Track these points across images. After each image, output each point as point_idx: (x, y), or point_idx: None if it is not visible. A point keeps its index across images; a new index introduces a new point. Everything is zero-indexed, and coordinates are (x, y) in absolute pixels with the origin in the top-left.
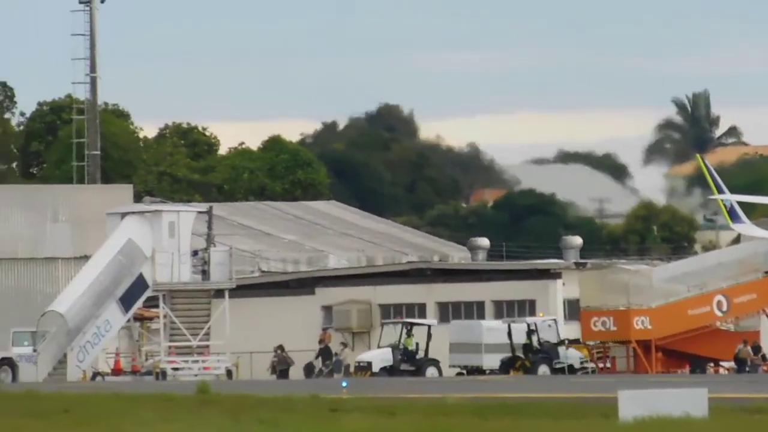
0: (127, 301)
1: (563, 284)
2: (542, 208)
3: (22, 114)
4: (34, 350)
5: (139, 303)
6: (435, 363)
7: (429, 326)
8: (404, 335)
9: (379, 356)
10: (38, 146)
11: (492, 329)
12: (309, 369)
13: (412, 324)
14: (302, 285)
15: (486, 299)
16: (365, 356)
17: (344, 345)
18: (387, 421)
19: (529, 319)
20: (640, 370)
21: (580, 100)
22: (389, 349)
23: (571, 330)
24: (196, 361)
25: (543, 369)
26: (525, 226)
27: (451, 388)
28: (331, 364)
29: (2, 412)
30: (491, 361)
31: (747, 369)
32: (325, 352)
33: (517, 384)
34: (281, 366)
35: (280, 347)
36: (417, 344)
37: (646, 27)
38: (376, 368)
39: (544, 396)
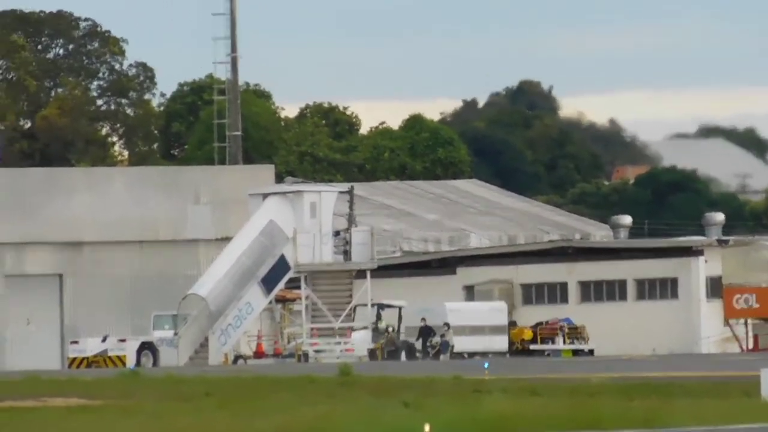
0: (268, 283)
1: (705, 261)
2: (684, 185)
3: (163, 95)
4: (176, 334)
5: (281, 284)
6: (410, 346)
7: (400, 308)
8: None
9: (361, 338)
10: (179, 127)
11: (455, 311)
12: (410, 350)
13: (384, 306)
14: (444, 265)
15: (628, 278)
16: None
17: (447, 326)
18: (532, 401)
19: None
20: None
21: (721, 75)
22: (368, 331)
23: (713, 308)
24: (338, 343)
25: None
26: (667, 203)
27: (596, 368)
28: (437, 345)
29: (144, 396)
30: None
31: None
32: (425, 332)
33: (660, 363)
34: (389, 347)
35: (391, 327)
36: (389, 326)
37: None
38: (360, 351)
39: (687, 375)
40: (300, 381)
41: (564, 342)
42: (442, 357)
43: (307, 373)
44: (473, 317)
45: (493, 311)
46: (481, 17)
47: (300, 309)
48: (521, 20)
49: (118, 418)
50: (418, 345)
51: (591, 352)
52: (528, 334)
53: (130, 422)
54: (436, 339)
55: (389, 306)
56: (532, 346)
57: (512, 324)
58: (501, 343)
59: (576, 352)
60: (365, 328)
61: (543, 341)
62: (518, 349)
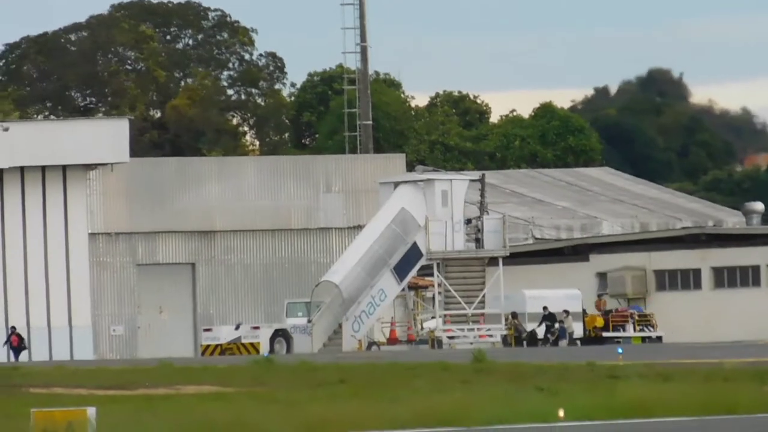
0: (401, 270)
1: None
2: None
3: (293, 85)
4: (309, 321)
5: (414, 272)
6: (532, 333)
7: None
8: None
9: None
10: (310, 117)
11: (534, 298)
12: (532, 337)
13: None
14: (576, 252)
15: (761, 264)
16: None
17: (567, 312)
18: (666, 386)
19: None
20: None
21: None
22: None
23: None
24: (472, 329)
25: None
26: None
27: (729, 353)
28: (556, 331)
29: (279, 383)
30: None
31: None
32: (549, 319)
33: None
34: (514, 334)
35: (512, 314)
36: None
37: None
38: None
39: None
40: (434, 367)
41: (634, 329)
42: (561, 343)
43: (440, 359)
44: (550, 304)
45: (569, 298)
46: (613, 5)
47: (432, 296)
48: (652, 8)
49: (252, 406)
50: (541, 332)
51: (659, 338)
52: (600, 322)
53: (264, 409)
54: (556, 326)
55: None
56: (604, 334)
57: (584, 311)
58: (577, 329)
59: (644, 339)
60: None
61: (614, 329)
62: (590, 336)
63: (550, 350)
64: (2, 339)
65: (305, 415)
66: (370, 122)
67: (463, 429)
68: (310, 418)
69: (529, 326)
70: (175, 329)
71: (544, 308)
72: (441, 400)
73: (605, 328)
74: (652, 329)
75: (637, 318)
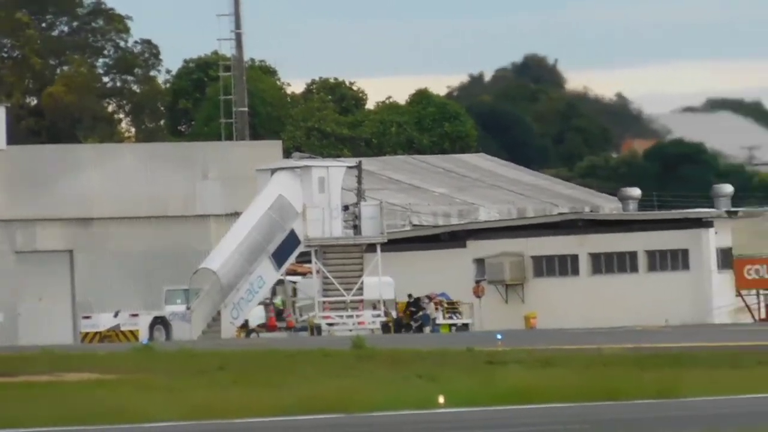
0: (279, 257)
1: (716, 233)
2: (692, 157)
3: (168, 72)
4: (188, 308)
5: (292, 259)
6: (398, 320)
7: (294, 283)
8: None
9: (255, 313)
10: (186, 104)
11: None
12: (399, 323)
13: (281, 282)
14: (454, 238)
15: (638, 249)
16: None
17: (429, 298)
18: (546, 372)
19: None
20: None
21: (728, 48)
22: (262, 307)
23: (724, 279)
24: (351, 316)
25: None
26: (676, 176)
27: (608, 339)
28: (420, 318)
29: (159, 370)
30: None
31: None
32: (415, 306)
33: (673, 334)
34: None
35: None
36: (284, 301)
37: None
38: (252, 325)
39: (700, 345)
40: (314, 354)
41: (443, 317)
42: (425, 329)
43: (320, 346)
44: (366, 291)
45: (384, 285)
46: None
47: (311, 283)
48: None
49: (133, 393)
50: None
51: (466, 326)
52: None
53: (145, 396)
54: (420, 312)
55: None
56: (412, 321)
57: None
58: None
59: (452, 327)
60: (261, 303)
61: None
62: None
63: (429, 336)
64: None
65: (187, 401)
66: (246, 109)
67: (344, 415)
68: (193, 405)
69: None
70: (55, 317)
71: (409, 295)
72: (323, 386)
73: (412, 316)
74: (459, 317)
75: (445, 306)
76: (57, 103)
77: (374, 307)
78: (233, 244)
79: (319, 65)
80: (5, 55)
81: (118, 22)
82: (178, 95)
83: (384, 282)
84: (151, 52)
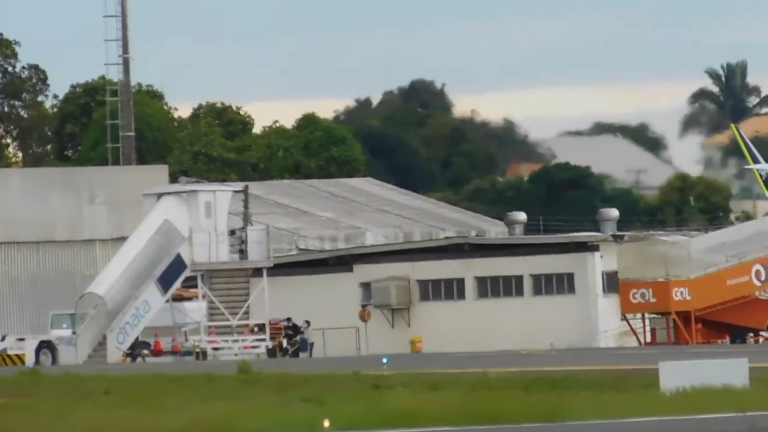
0: (165, 282)
1: (601, 257)
2: (578, 181)
3: (56, 96)
4: (74, 332)
5: (178, 283)
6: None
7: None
8: None
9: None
10: (73, 128)
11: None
12: (271, 351)
13: None
14: (340, 262)
15: (524, 273)
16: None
17: (307, 323)
18: (432, 396)
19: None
20: (681, 341)
21: (614, 72)
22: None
23: (610, 303)
24: (236, 341)
25: None
26: (562, 200)
27: (493, 363)
28: (297, 343)
29: (44, 394)
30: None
31: None
32: (292, 330)
33: (559, 358)
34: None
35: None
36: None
37: None
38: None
39: (585, 369)
40: (199, 379)
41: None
42: (301, 355)
43: (206, 370)
44: (180, 315)
45: (195, 309)
46: (373, 15)
47: (197, 308)
48: (414, 18)
49: (19, 416)
50: (284, 342)
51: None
52: None
53: (31, 420)
54: (297, 337)
55: None
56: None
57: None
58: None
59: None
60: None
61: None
62: None
63: (316, 361)
64: None
65: (73, 425)
66: (133, 133)
67: None
68: (79, 429)
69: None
70: None
71: (288, 319)
72: (208, 410)
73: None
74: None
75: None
76: None
77: (257, 331)
78: (119, 268)
79: (206, 90)
80: None
81: (5, 47)
82: (65, 120)
83: (196, 306)
84: (38, 77)
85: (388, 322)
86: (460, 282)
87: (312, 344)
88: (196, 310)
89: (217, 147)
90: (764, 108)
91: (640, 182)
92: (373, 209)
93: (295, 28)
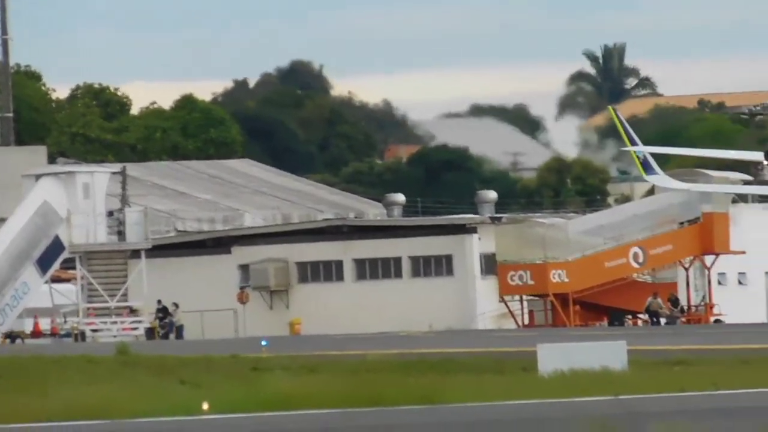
0: (44, 264)
1: (479, 239)
2: (456, 163)
3: None
4: None
5: (56, 265)
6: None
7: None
8: None
9: None
10: None
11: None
12: (150, 332)
13: None
14: (218, 244)
15: (403, 255)
16: None
17: (176, 305)
18: (311, 379)
19: None
20: (558, 323)
21: (492, 55)
22: None
23: (488, 285)
24: (115, 322)
25: None
26: (440, 182)
27: (373, 345)
28: (166, 324)
29: None
30: None
31: (657, 321)
32: (162, 312)
33: (438, 340)
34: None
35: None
36: None
37: None
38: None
39: (464, 351)
40: (79, 361)
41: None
42: (170, 336)
43: (85, 352)
44: (46, 299)
45: (71, 292)
46: None
47: (76, 289)
48: (293, 0)
49: None
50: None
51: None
52: None
53: None
54: (167, 319)
55: None
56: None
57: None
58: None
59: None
60: None
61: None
62: None
63: (194, 343)
64: None
65: None
66: (11, 114)
67: (107, 422)
68: None
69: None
70: None
71: (159, 302)
72: (87, 393)
73: None
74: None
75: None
76: None
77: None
78: None
79: (84, 71)
80: None
81: None
82: None
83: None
84: None
85: (267, 304)
86: (339, 264)
87: (181, 326)
88: (72, 291)
89: (94, 128)
90: (642, 90)
91: (518, 164)
92: (252, 191)
93: (174, 9)
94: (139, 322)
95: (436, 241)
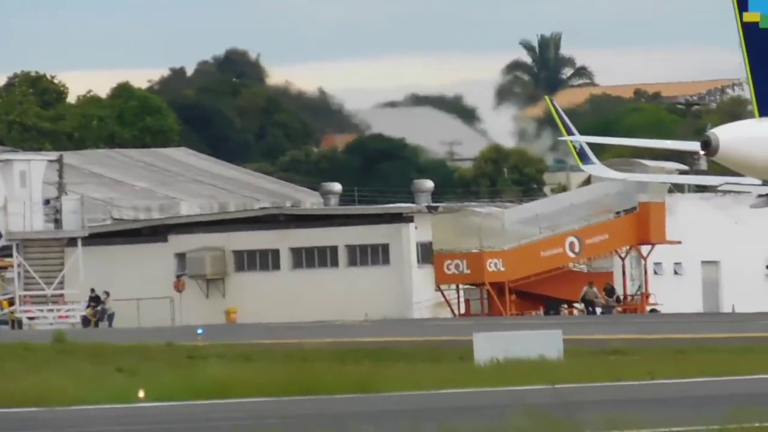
0: None
1: (416, 228)
2: (393, 153)
3: None
4: None
5: None
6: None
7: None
8: None
9: None
10: None
11: None
12: (86, 320)
13: None
14: (155, 232)
15: (339, 244)
16: None
17: (107, 294)
18: (247, 367)
19: None
20: (495, 312)
21: (429, 44)
22: None
23: (424, 273)
24: (51, 310)
25: None
26: (377, 171)
27: (309, 333)
28: (98, 313)
29: None
30: None
31: (592, 310)
32: (94, 300)
33: (374, 328)
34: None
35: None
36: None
37: None
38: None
39: (400, 340)
40: (16, 348)
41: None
42: (100, 325)
43: (22, 340)
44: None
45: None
46: None
47: (12, 276)
48: None
49: None
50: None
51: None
52: (5, 304)
53: None
54: (99, 307)
55: None
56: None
57: None
58: None
59: None
60: None
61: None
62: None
63: (130, 331)
64: None
65: None
66: None
67: (43, 409)
68: None
69: None
70: None
71: (92, 290)
72: (23, 380)
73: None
74: None
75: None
76: None
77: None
78: None
79: (21, 59)
80: None
81: None
82: None
83: None
84: None
85: (203, 293)
86: (275, 252)
87: (112, 314)
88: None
89: (31, 116)
90: (578, 80)
91: (455, 154)
92: (188, 179)
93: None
94: (74, 310)
95: (373, 230)
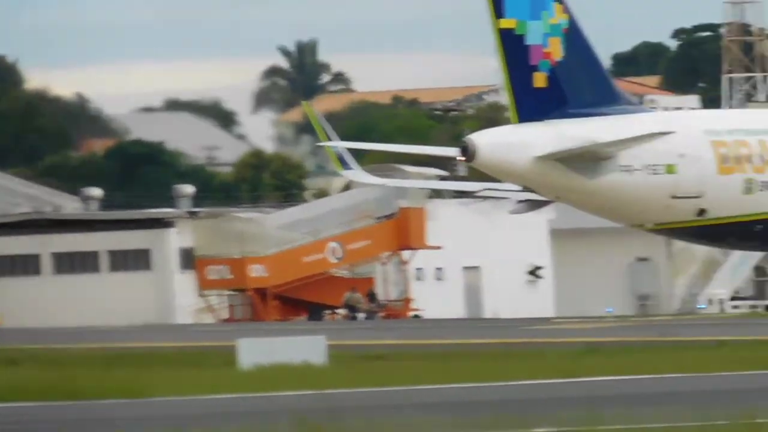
0: None
1: (177, 233)
2: (153, 157)
3: None
4: None
5: None
6: None
7: None
8: None
9: None
10: None
11: None
12: None
13: None
14: None
15: (101, 249)
16: None
17: None
18: (9, 371)
19: None
20: (258, 318)
21: (188, 49)
22: None
23: (187, 279)
24: None
25: None
26: (137, 176)
27: (73, 339)
28: None
29: None
30: None
31: (354, 316)
32: None
33: (137, 334)
34: None
35: None
36: None
37: None
38: None
39: (164, 345)
40: None
41: None
42: None
43: None
44: None
45: None
46: None
47: None
48: None
49: None
50: None
51: None
52: None
53: None
54: None
55: None
56: None
57: None
58: None
59: None
60: None
61: None
62: None
63: None
64: None
65: None
66: None
67: None
68: None
69: None
70: None
71: None
72: None
73: None
74: None
75: None
76: None
77: None
78: None
79: None
80: None
81: None
82: None
83: None
84: None
85: None
86: (36, 258)
87: None
88: None
89: None
90: (336, 85)
91: (214, 159)
92: None
93: None
94: None
95: (134, 235)
